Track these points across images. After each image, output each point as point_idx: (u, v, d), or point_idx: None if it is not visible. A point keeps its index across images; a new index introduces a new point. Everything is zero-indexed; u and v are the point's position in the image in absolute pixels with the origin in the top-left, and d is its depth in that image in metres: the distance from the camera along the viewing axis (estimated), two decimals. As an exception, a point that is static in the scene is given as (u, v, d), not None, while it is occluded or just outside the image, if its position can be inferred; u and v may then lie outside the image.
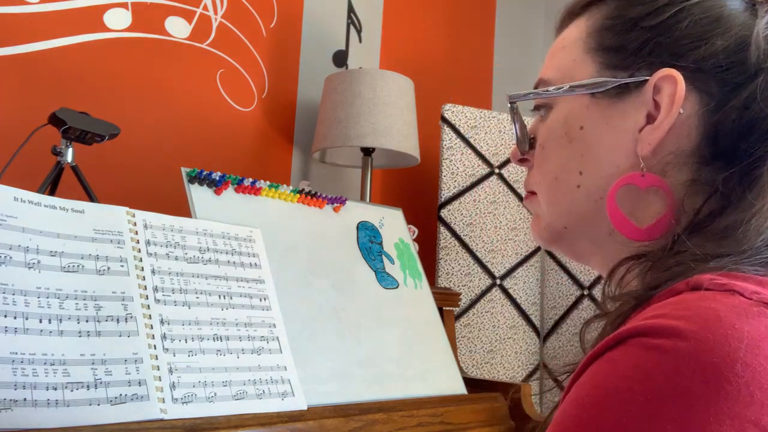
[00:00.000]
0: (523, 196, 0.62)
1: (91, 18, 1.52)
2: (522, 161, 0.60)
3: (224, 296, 0.88)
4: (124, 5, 1.56)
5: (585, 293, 1.97)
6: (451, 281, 1.87)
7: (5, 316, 0.67)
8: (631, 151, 0.50)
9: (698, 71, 0.49)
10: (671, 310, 0.37)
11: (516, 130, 0.59)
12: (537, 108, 0.58)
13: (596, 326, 0.47)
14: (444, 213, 1.90)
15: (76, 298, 0.74)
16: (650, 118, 0.50)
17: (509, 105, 0.59)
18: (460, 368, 1.17)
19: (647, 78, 0.50)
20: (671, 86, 0.48)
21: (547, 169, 0.56)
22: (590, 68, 0.53)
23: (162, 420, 0.72)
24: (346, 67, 2.05)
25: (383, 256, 1.18)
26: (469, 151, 1.94)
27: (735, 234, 0.43)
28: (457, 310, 1.83)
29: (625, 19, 0.52)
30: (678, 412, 0.32)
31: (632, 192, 0.50)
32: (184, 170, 0.98)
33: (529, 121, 0.65)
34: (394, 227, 1.25)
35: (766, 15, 0.48)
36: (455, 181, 1.91)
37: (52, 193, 1.08)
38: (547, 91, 0.55)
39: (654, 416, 0.32)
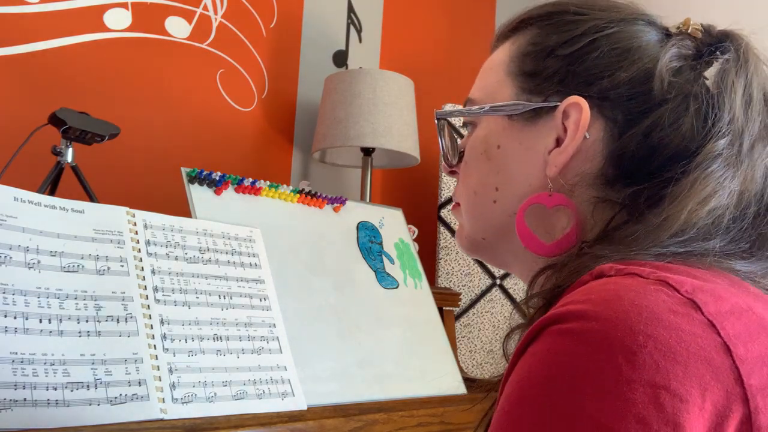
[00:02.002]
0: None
1: (91, 18, 1.52)
2: (452, 173, 0.64)
3: (224, 296, 0.88)
4: (124, 5, 1.56)
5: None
6: (451, 281, 1.87)
7: (5, 316, 0.67)
8: (542, 171, 0.54)
9: (604, 99, 0.52)
10: (578, 296, 0.40)
11: (442, 143, 0.63)
12: (465, 125, 0.64)
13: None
14: (444, 213, 1.90)
15: (76, 298, 0.74)
16: (559, 142, 0.53)
17: (436, 121, 0.64)
18: (460, 368, 1.17)
19: (558, 104, 0.53)
20: (577, 113, 0.52)
21: (468, 183, 0.60)
22: (509, 91, 0.57)
23: (162, 420, 0.72)
24: (346, 67, 2.05)
25: (383, 256, 1.18)
26: (469, 151, 1.94)
27: (630, 241, 0.46)
28: (457, 310, 1.83)
29: (543, 47, 0.55)
30: (594, 388, 0.34)
31: (540, 210, 0.54)
32: (184, 170, 0.98)
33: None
34: (394, 227, 1.25)
35: (670, 49, 0.51)
36: (455, 181, 1.91)
37: (52, 193, 1.08)
38: (470, 110, 0.59)
39: (574, 396, 0.35)
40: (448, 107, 1.92)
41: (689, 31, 0.53)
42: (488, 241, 0.60)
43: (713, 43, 0.52)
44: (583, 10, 0.55)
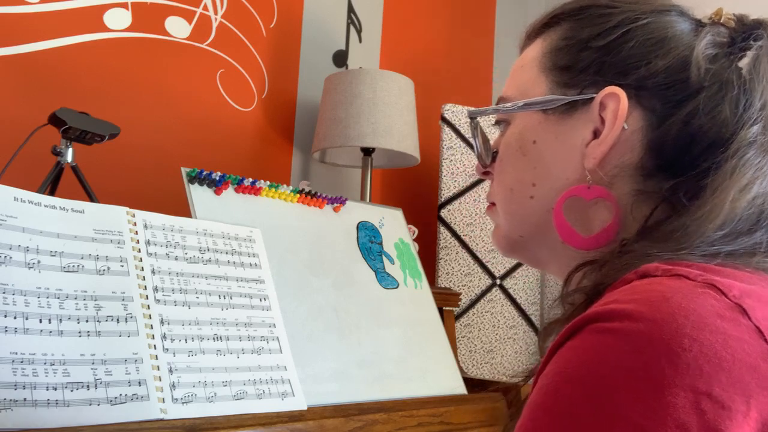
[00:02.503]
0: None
1: (91, 18, 1.52)
2: (485, 173, 0.64)
3: (224, 296, 0.88)
4: (124, 5, 1.56)
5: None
6: (451, 281, 1.87)
7: (5, 316, 0.67)
8: (579, 164, 0.53)
9: (641, 89, 0.52)
10: (622, 296, 0.39)
11: (477, 144, 0.63)
12: (498, 123, 0.62)
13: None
14: (444, 213, 1.90)
15: (76, 298, 0.74)
16: (597, 134, 0.53)
17: (469, 120, 0.63)
18: (460, 368, 1.17)
19: (594, 95, 0.53)
20: (615, 103, 0.51)
21: (503, 180, 0.60)
22: (544, 86, 0.56)
23: (162, 420, 0.72)
24: (346, 67, 2.05)
25: (383, 256, 1.18)
26: (469, 151, 1.94)
27: (676, 237, 0.45)
28: (457, 310, 1.83)
29: (577, 40, 0.55)
30: (634, 389, 0.34)
31: (578, 203, 0.53)
32: (184, 170, 0.98)
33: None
34: (394, 227, 1.25)
35: (705, 36, 0.51)
36: (455, 181, 1.91)
37: (52, 193, 1.08)
38: (504, 107, 0.59)
39: (613, 395, 0.34)
40: (454, 107, 1.92)
41: (722, 20, 0.53)
42: (525, 239, 0.59)
43: (747, 31, 0.51)
44: (614, 3, 0.55)
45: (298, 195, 1.10)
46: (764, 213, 0.46)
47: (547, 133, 0.56)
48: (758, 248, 0.44)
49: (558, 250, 0.57)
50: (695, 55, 0.50)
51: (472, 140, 0.64)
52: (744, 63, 0.50)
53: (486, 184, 1.93)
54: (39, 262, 0.73)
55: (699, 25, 0.54)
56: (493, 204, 0.62)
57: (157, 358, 0.76)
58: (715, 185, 0.46)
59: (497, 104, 0.61)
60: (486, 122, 1.99)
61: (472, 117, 0.62)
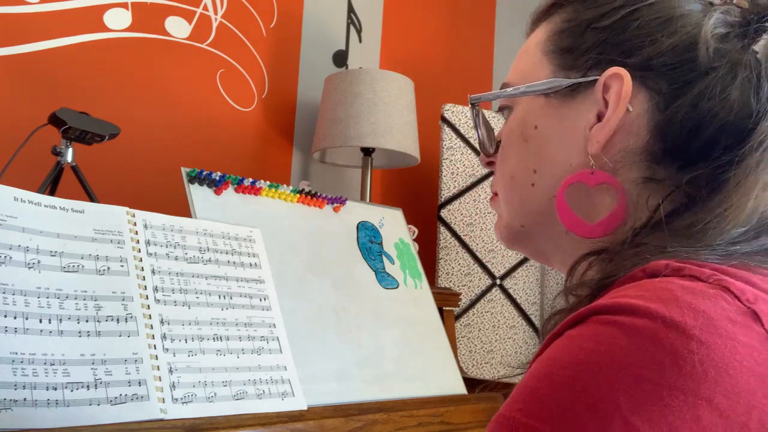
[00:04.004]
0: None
1: (91, 18, 1.52)
2: (489, 164, 0.62)
3: (224, 296, 0.88)
4: (124, 5, 1.56)
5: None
6: (451, 281, 1.87)
7: (5, 316, 0.67)
8: (583, 149, 0.51)
9: (647, 69, 0.49)
10: (630, 291, 0.38)
11: (480, 132, 0.61)
12: (501, 110, 0.60)
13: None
14: (444, 213, 1.90)
15: (76, 298, 0.74)
16: (600, 117, 0.50)
17: (470, 107, 0.61)
18: (460, 368, 1.17)
19: (597, 77, 0.51)
20: (618, 84, 0.49)
21: (505, 168, 0.58)
22: (546, 70, 0.54)
23: (162, 420, 0.72)
24: (346, 67, 2.05)
25: (383, 256, 1.18)
26: (469, 151, 1.94)
27: (695, 232, 0.43)
28: (457, 310, 1.83)
29: (580, 21, 0.53)
30: (631, 385, 0.32)
31: (582, 190, 0.51)
32: (184, 170, 0.98)
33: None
34: (394, 227, 1.25)
35: (714, 14, 0.49)
36: (455, 181, 1.91)
37: (52, 193, 1.08)
38: (505, 92, 0.57)
39: (608, 387, 0.33)
40: (454, 107, 1.92)
41: (734, 1, 0.50)
42: (527, 228, 0.57)
43: (761, 13, 0.49)
44: None
45: (298, 195, 1.10)
46: None
47: (549, 118, 0.54)
48: None
49: (561, 241, 0.55)
50: (703, 33, 0.48)
51: (474, 129, 0.62)
52: (760, 46, 0.48)
53: (486, 185, 1.93)
54: (39, 262, 0.73)
55: (709, 5, 0.51)
56: (496, 194, 0.61)
57: (157, 358, 0.76)
58: (737, 179, 0.44)
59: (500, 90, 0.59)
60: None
61: (473, 104, 0.60)
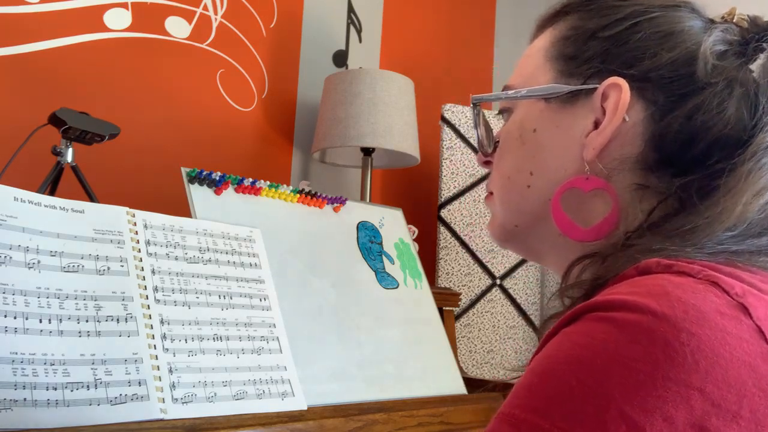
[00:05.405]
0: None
1: (91, 18, 1.52)
2: (486, 163, 0.63)
3: (224, 296, 0.88)
4: (124, 5, 1.56)
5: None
6: (451, 281, 1.87)
7: (5, 316, 0.67)
8: (578, 155, 0.53)
9: (645, 81, 0.51)
10: (622, 289, 0.39)
11: (479, 132, 0.62)
12: (501, 112, 0.61)
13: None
14: (444, 213, 1.90)
15: (76, 298, 0.74)
16: (597, 125, 0.52)
17: (472, 106, 0.62)
18: (460, 368, 1.17)
19: (597, 86, 0.52)
20: (617, 93, 0.51)
21: (502, 169, 0.59)
22: (548, 75, 0.56)
23: (162, 420, 0.72)
24: (346, 67, 2.05)
25: (383, 256, 1.18)
26: (469, 151, 1.94)
27: (684, 233, 0.45)
28: (457, 310, 1.83)
29: (584, 30, 0.55)
30: (626, 378, 0.34)
31: (577, 195, 0.53)
32: (184, 170, 0.98)
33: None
34: (394, 227, 1.25)
35: (714, 32, 0.50)
36: (455, 181, 1.91)
37: (52, 193, 1.08)
38: (507, 94, 0.59)
39: (604, 381, 0.34)
40: (454, 107, 1.92)
41: (734, 20, 0.52)
42: (521, 229, 0.58)
43: (760, 33, 0.50)
44: None
45: (298, 195, 1.10)
46: None
47: (547, 122, 0.55)
48: (764, 249, 0.44)
49: (555, 242, 0.56)
50: (703, 49, 0.49)
51: (474, 128, 0.63)
52: (757, 65, 0.50)
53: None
54: (39, 262, 0.73)
55: (710, 22, 0.53)
56: (491, 193, 0.62)
57: (157, 358, 0.76)
58: (728, 187, 0.45)
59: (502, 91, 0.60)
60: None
61: (475, 104, 0.62)
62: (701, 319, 0.35)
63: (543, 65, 0.57)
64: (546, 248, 0.58)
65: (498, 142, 0.61)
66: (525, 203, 0.57)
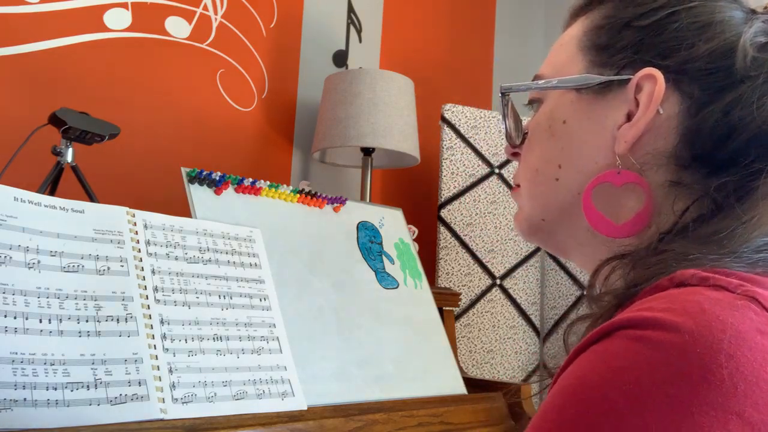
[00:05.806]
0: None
1: (91, 18, 1.52)
2: (514, 155, 0.61)
3: (224, 296, 0.88)
4: (124, 5, 1.56)
5: (585, 293, 1.97)
6: (451, 281, 1.87)
7: (5, 316, 0.67)
8: (610, 148, 0.51)
9: (681, 73, 0.49)
10: (657, 304, 0.37)
11: (507, 123, 0.60)
12: (530, 103, 0.59)
13: (581, 328, 0.47)
14: (444, 213, 1.90)
15: (76, 298, 0.74)
16: (630, 117, 0.50)
17: (500, 96, 0.60)
18: (460, 368, 1.17)
19: (630, 77, 0.50)
20: (651, 85, 0.49)
21: (530, 161, 0.57)
22: (580, 65, 0.54)
23: (162, 420, 0.72)
24: (346, 67, 2.05)
25: (383, 256, 1.18)
26: (469, 151, 1.94)
27: (720, 239, 0.43)
28: (457, 310, 1.83)
29: (618, 19, 0.52)
30: (660, 402, 0.32)
31: (608, 189, 0.51)
32: (184, 170, 0.98)
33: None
34: (394, 227, 1.25)
35: (755, 23, 0.48)
36: (455, 181, 1.91)
37: (52, 193, 1.08)
38: (537, 84, 0.56)
39: (636, 405, 0.33)
40: (454, 107, 1.92)
41: None
42: (548, 222, 0.56)
43: None
44: None
45: (298, 195, 1.10)
46: None
47: (578, 114, 0.53)
48: None
49: (583, 238, 0.54)
50: (743, 41, 0.47)
51: (502, 119, 0.59)
52: None
53: (486, 185, 1.93)
54: (39, 262, 0.73)
55: (751, 13, 0.51)
56: (518, 186, 0.60)
57: (157, 358, 0.76)
58: (767, 188, 0.44)
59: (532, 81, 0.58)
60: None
61: (504, 93, 0.59)
62: (740, 339, 0.33)
63: (575, 54, 0.55)
64: (573, 244, 0.56)
65: (527, 133, 0.59)
66: (553, 197, 0.55)
